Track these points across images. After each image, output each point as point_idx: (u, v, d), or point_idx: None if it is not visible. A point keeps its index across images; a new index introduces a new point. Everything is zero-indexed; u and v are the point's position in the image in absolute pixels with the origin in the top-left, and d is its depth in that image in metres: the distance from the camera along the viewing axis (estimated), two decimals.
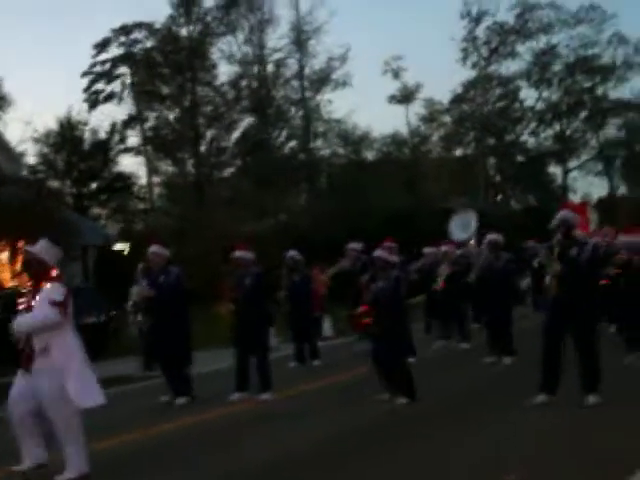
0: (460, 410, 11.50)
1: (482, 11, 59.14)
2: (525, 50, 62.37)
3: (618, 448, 8.71)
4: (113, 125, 49.69)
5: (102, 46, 50.66)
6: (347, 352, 18.89)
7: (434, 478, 8.32)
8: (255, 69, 51.85)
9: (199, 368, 15.94)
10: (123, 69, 51.66)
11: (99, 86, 51.60)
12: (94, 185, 48.70)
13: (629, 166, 66.93)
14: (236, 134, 50.98)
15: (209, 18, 50.24)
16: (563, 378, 11.05)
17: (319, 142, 54.06)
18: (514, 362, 15.52)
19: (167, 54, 49.57)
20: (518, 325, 17.58)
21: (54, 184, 45.84)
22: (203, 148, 49.65)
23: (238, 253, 13.92)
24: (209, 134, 49.96)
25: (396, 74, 60.71)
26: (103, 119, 49.69)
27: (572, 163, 64.91)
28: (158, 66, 50.03)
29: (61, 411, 8.49)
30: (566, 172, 64.36)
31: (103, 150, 48.89)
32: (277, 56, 51.88)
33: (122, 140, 50.50)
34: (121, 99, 51.43)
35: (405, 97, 61.60)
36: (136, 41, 50.73)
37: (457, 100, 62.70)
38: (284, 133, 52.28)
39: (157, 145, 50.56)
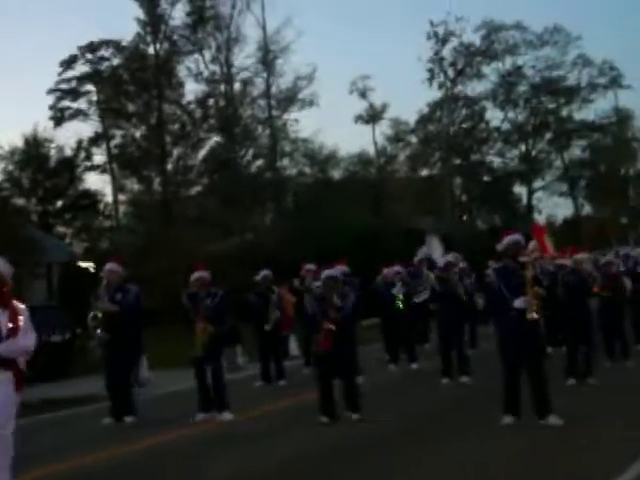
0: (421, 431, 11.50)
1: (448, 32, 59.54)
2: (491, 71, 62.95)
3: (584, 466, 8.76)
4: (79, 142, 49.55)
5: (69, 63, 50.47)
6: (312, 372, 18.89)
7: None
8: (222, 88, 51.82)
9: (162, 388, 15.87)
10: (89, 86, 51.47)
11: (65, 103, 51.38)
12: (59, 203, 48.43)
13: (593, 187, 67.50)
14: (203, 152, 50.93)
15: (176, 36, 50.24)
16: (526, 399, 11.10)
17: (285, 161, 54.12)
18: (472, 382, 15.57)
19: (134, 72, 49.43)
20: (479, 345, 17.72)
21: (19, 202, 45.61)
22: (170, 166, 49.50)
23: (198, 274, 13.88)
24: (176, 152, 49.82)
25: (363, 94, 61.02)
26: (69, 136, 49.58)
27: (537, 183, 65.42)
28: (125, 84, 49.86)
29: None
30: (531, 192, 64.76)
31: (69, 168, 48.67)
32: (244, 75, 51.94)
33: (88, 158, 50.33)
34: (87, 116, 51.26)
35: (372, 117, 61.85)
36: (103, 58, 50.58)
37: (423, 120, 63.02)
38: (251, 152, 52.24)
39: (123, 163, 50.34)
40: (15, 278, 8.71)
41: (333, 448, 10.82)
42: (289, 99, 52.61)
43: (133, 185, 50.85)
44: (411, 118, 64.01)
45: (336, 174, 58.05)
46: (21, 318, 8.24)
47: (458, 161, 62.82)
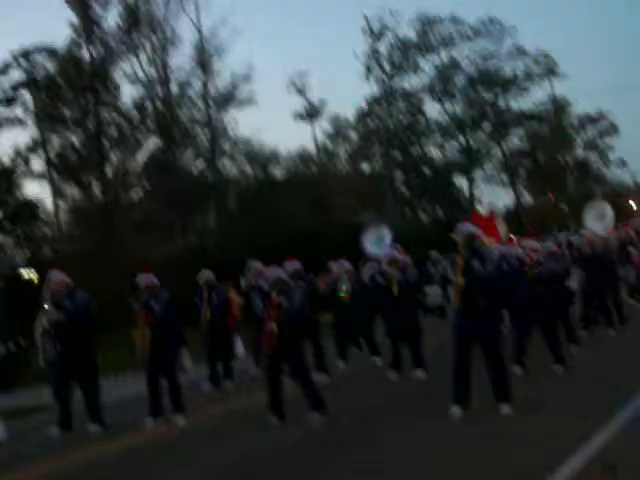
0: (373, 427, 11.49)
1: (384, 26, 59.74)
2: (427, 64, 63.23)
3: (533, 458, 8.84)
4: (17, 151, 48.92)
5: (2, 71, 49.84)
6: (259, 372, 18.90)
7: None
8: (159, 90, 51.49)
9: (108, 396, 15.75)
10: (25, 93, 50.86)
11: (0, 111, 50.72)
12: None
13: (533, 176, 68.19)
14: (142, 156, 50.56)
15: (111, 40, 49.81)
16: (478, 388, 11.16)
17: (226, 162, 53.91)
18: (425, 375, 15.63)
19: (69, 77, 48.94)
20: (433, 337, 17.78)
21: None
22: (109, 171, 49.10)
23: (142, 278, 13.80)
24: (114, 157, 49.47)
25: (301, 90, 61.01)
26: (5, 144, 48.89)
27: (477, 174, 65.85)
28: (60, 89, 49.34)
29: None
30: (472, 183, 65.20)
31: (6, 176, 48.03)
32: (181, 76, 51.66)
33: (26, 165, 49.70)
34: (23, 124, 50.64)
35: (310, 114, 61.87)
36: (37, 65, 50.00)
37: (362, 116, 63.18)
38: (190, 154, 52.02)
39: (62, 169, 49.81)
40: None
41: (287, 451, 10.80)
42: (227, 99, 52.43)
43: (73, 192, 50.34)
44: (350, 114, 64.15)
45: (278, 172, 58.05)
46: None
47: (398, 155, 63.01)
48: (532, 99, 65.52)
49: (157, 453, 11.62)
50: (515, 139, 67.11)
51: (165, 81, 51.18)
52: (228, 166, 54.05)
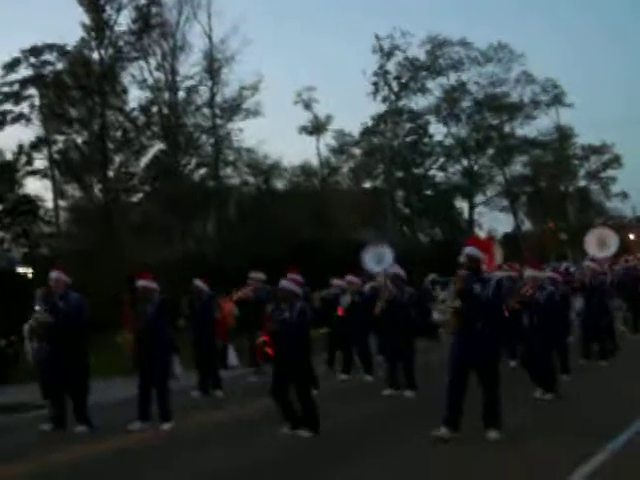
0: (360, 444, 11.46)
1: (394, 46, 59.85)
2: (435, 86, 63.35)
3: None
4: (20, 147, 48.93)
5: (11, 66, 49.88)
6: (251, 383, 18.90)
7: None
8: (166, 95, 51.53)
9: (99, 397, 15.72)
10: (32, 91, 50.89)
11: (7, 107, 50.74)
12: None
13: (534, 202, 68.24)
14: (145, 160, 50.60)
15: (121, 43, 49.88)
16: (468, 412, 11.12)
17: (229, 170, 53.93)
18: (416, 395, 15.59)
19: (77, 77, 48.98)
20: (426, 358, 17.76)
21: None
22: (111, 173, 49.11)
23: (141, 282, 13.80)
24: (118, 159, 49.48)
25: (307, 105, 61.11)
26: (10, 141, 48.91)
27: (478, 198, 65.94)
28: (68, 89, 49.37)
29: None
30: (472, 207, 65.24)
31: (8, 172, 48.01)
32: (189, 83, 51.68)
33: (29, 162, 49.68)
34: (29, 121, 50.66)
35: (316, 128, 61.93)
36: (46, 63, 50.06)
37: (367, 133, 63.24)
38: (194, 160, 52.05)
39: (64, 168, 49.83)
40: None
41: (269, 464, 10.72)
42: (233, 108, 52.47)
43: (74, 191, 50.35)
44: (355, 130, 64.19)
45: (279, 184, 58.08)
46: None
47: (401, 174, 63.05)
48: (537, 126, 65.66)
49: (140, 457, 11.60)
50: (518, 165, 67.18)
51: (173, 87, 51.21)
52: (230, 175, 54.08)
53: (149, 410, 13.56)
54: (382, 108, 61.63)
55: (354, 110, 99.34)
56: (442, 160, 65.04)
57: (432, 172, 65.36)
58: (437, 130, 64.80)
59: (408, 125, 63.85)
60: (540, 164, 66.81)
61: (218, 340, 19.63)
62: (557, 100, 64.70)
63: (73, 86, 48.94)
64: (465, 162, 65.17)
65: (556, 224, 69.59)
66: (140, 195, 51.65)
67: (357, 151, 64.61)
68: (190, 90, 51.69)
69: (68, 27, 74.42)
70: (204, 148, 52.62)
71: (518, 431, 10.99)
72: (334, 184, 64.01)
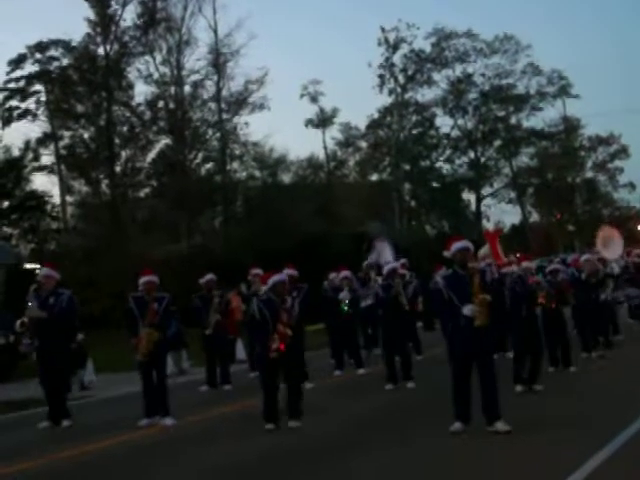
0: (364, 438, 11.43)
1: (399, 39, 59.74)
2: (441, 78, 63.26)
3: (528, 472, 8.83)
4: (27, 143, 49.00)
5: (17, 62, 49.92)
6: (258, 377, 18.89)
7: None
8: (172, 90, 51.52)
9: (106, 392, 15.77)
10: (38, 86, 50.94)
11: (13, 103, 50.78)
12: (6, 203, 47.84)
13: (541, 194, 68.11)
14: (152, 155, 50.66)
15: (127, 37, 49.89)
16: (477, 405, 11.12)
17: (235, 165, 53.95)
18: (416, 388, 15.61)
19: (83, 72, 49.02)
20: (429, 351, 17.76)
21: None
22: (118, 168, 49.17)
23: (145, 278, 13.79)
24: (124, 154, 49.52)
25: (314, 98, 61.06)
26: (17, 136, 48.99)
27: (486, 190, 65.87)
28: (74, 84, 49.42)
29: None
30: (479, 199, 65.16)
31: (16, 168, 48.08)
32: (195, 78, 51.66)
33: (36, 158, 49.75)
34: (35, 117, 50.73)
35: (322, 121, 61.89)
36: (52, 58, 50.08)
37: (373, 125, 63.17)
38: (200, 155, 52.06)
39: (71, 164, 49.88)
40: None
41: (273, 458, 10.73)
42: (240, 102, 52.42)
43: (81, 187, 50.43)
44: (361, 123, 64.12)
45: (286, 178, 58.05)
46: None
47: (407, 167, 62.97)
48: (544, 118, 65.57)
49: (146, 452, 11.61)
50: (525, 157, 67.09)
51: (178, 81, 51.21)
52: (237, 169, 54.09)
53: (156, 405, 13.57)
54: (388, 101, 61.64)
55: (360, 103, 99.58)
56: (449, 152, 64.97)
57: (439, 164, 65.32)
58: (443, 122, 64.83)
59: (414, 117, 63.74)
60: (547, 155, 66.67)
61: (228, 334, 19.70)
62: (563, 91, 64.60)
63: (79, 82, 49.00)
64: (472, 154, 65.12)
65: (563, 215, 69.50)
66: (147, 190, 51.71)
67: (363, 144, 64.52)
68: (196, 84, 51.71)
69: (73, 23, 74.59)
70: (210, 142, 52.63)
71: (521, 427, 10.96)
72: (341, 177, 63.98)
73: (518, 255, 18.55)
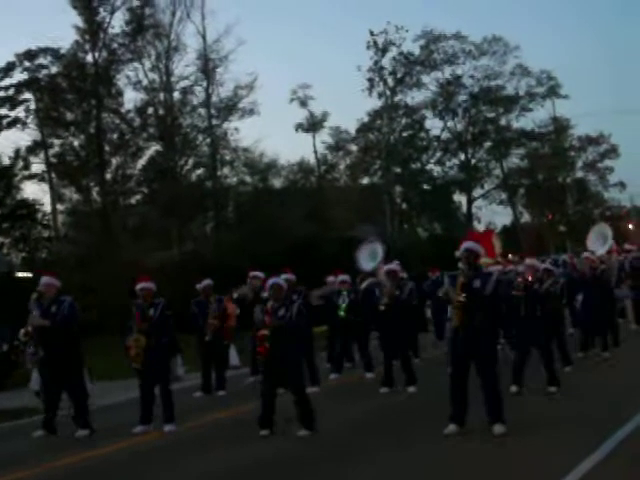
0: (361, 442, 11.44)
1: (388, 42, 59.78)
2: (430, 80, 63.37)
3: (523, 474, 8.85)
4: (17, 151, 48.90)
5: (6, 71, 49.82)
6: (253, 382, 18.88)
7: None
8: (162, 96, 51.48)
9: (102, 400, 15.73)
10: (27, 95, 50.84)
11: (2, 111, 50.65)
12: None
13: (532, 195, 68.24)
14: (142, 161, 50.56)
15: (115, 45, 49.80)
16: (475, 407, 11.11)
17: (226, 170, 53.89)
18: (417, 391, 15.58)
19: (72, 80, 48.92)
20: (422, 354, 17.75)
21: None
22: (109, 175, 49.08)
23: (141, 285, 13.80)
24: (114, 161, 49.43)
25: (303, 103, 61.09)
26: (6, 145, 48.90)
27: (476, 192, 65.94)
28: (63, 92, 49.32)
29: None
30: (471, 201, 65.23)
31: (6, 176, 47.98)
32: (184, 84, 51.63)
33: (26, 166, 49.65)
34: (25, 125, 50.61)
35: (312, 125, 61.91)
36: (41, 66, 49.98)
37: (363, 129, 63.23)
38: (191, 161, 51.98)
39: (62, 172, 49.77)
40: None
41: (266, 462, 10.74)
42: (229, 108, 52.43)
43: (72, 195, 50.33)
44: (351, 127, 64.20)
45: (277, 183, 58.07)
46: None
47: (398, 170, 63.01)
48: (534, 119, 65.73)
49: (142, 460, 11.60)
50: (515, 158, 67.22)
51: (168, 88, 51.17)
52: (228, 174, 54.05)
53: (152, 412, 13.56)
54: (378, 104, 61.67)
55: (350, 107, 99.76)
56: (439, 154, 65.06)
57: (429, 167, 65.36)
58: (433, 124, 64.99)
59: (404, 120, 63.79)
60: (537, 156, 66.79)
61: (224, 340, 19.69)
62: (552, 92, 64.76)
63: (68, 89, 48.88)
64: (462, 156, 65.26)
65: (554, 216, 69.62)
66: (138, 197, 51.63)
67: (354, 147, 64.59)
68: (185, 90, 51.67)
69: (62, 30, 74.50)
70: (201, 148, 52.57)
71: (520, 426, 10.99)
72: (331, 181, 64.01)
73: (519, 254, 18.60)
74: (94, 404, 15.27)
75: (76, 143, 49.68)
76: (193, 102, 52.02)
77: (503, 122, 65.23)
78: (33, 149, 50.18)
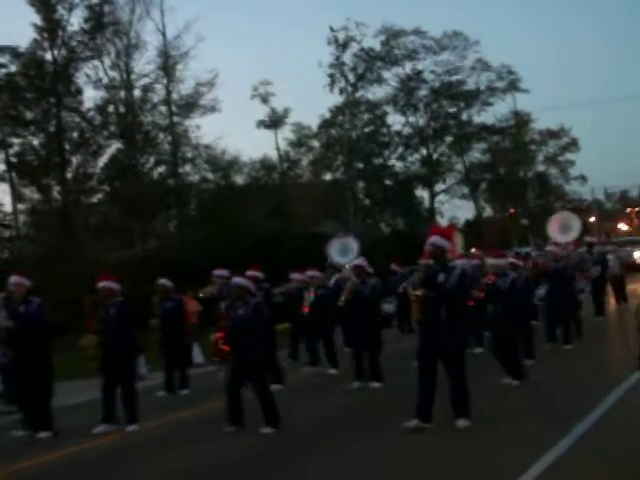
0: (329, 438, 11.41)
1: (349, 38, 59.79)
2: (391, 76, 63.50)
3: (491, 465, 8.94)
4: None
5: None
6: (216, 380, 18.80)
7: None
8: (122, 94, 51.17)
9: (62, 400, 15.59)
10: None
11: None
12: None
13: (494, 189, 68.63)
14: (103, 160, 50.22)
15: (74, 42, 49.41)
16: (438, 401, 11.11)
17: (188, 168, 53.64)
18: (382, 387, 15.58)
19: (31, 79, 48.52)
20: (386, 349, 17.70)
21: None
22: (69, 174, 48.72)
23: (103, 283, 13.68)
24: (75, 160, 49.06)
25: (264, 99, 60.97)
26: None
27: (439, 186, 66.16)
28: (22, 91, 48.91)
29: None
30: (433, 195, 65.44)
31: None
32: (144, 81, 51.32)
33: None
34: None
35: (274, 122, 61.81)
36: None
37: (325, 125, 63.24)
38: (152, 159, 51.70)
39: (22, 171, 49.36)
40: None
41: (231, 459, 10.70)
42: (190, 105, 52.19)
43: (32, 194, 49.94)
44: (313, 123, 64.19)
45: (239, 180, 57.94)
46: None
47: (360, 165, 63.09)
48: (495, 113, 66.03)
49: (105, 460, 11.51)
50: (477, 152, 67.52)
51: (128, 85, 50.87)
52: (190, 172, 53.80)
53: (114, 412, 13.45)
54: (339, 100, 61.71)
55: (312, 103, 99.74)
56: (401, 150, 65.15)
57: (391, 162, 65.46)
58: (395, 120, 65.12)
59: (366, 116, 63.92)
60: (499, 150, 67.19)
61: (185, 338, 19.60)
62: (513, 86, 65.08)
63: (27, 88, 48.47)
64: (424, 151, 65.40)
65: (517, 209, 70.03)
66: (99, 196, 51.30)
67: (316, 144, 64.61)
68: (146, 88, 51.34)
69: (19, 28, 73.75)
70: (162, 146, 52.27)
71: (485, 419, 11.03)
72: (294, 178, 63.94)
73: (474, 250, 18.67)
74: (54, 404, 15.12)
75: (36, 142, 49.25)
76: (154, 100, 51.72)
77: (464, 117, 65.55)
78: None
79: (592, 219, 75.59)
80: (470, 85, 64.51)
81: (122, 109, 50.73)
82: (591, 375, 14.55)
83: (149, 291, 19.15)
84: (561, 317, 19.24)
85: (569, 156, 69.89)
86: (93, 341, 13.29)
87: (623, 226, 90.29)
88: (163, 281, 18.58)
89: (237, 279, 12.63)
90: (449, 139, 65.66)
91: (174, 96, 51.96)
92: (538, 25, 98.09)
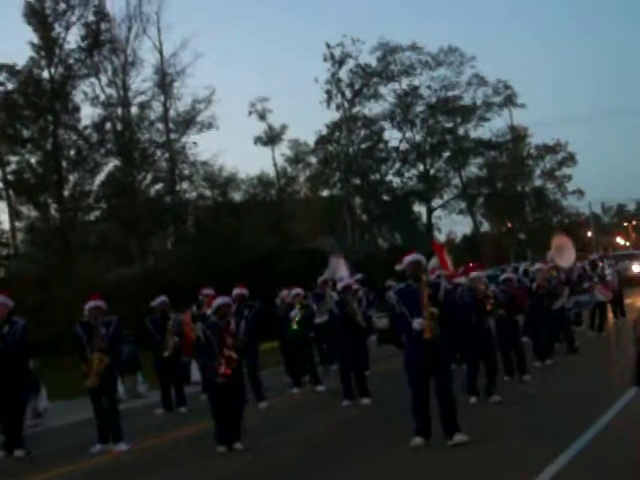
0: (323, 456, 11.38)
1: (345, 54, 59.94)
2: (388, 92, 63.60)
3: None
4: None
5: None
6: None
7: None
8: (119, 112, 51.22)
9: (58, 420, 15.56)
10: None
11: None
12: None
13: (491, 204, 68.64)
14: (100, 177, 50.21)
15: (71, 60, 49.46)
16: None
17: (185, 185, 53.66)
18: (372, 403, 15.54)
19: (29, 97, 48.55)
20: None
21: None
22: (67, 192, 48.69)
23: (92, 303, 13.58)
24: (72, 178, 49.04)
25: (262, 116, 61.07)
26: None
27: (436, 202, 66.19)
28: (19, 109, 48.94)
29: None
30: (430, 211, 65.44)
31: None
32: (141, 99, 51.39)
33: None
34: None
35: (271, 138, 61.89)
36: None
37: (322, 141, 63.29)
38: (149, 176, 51.70)
39: (19, 189, 49.35)
40: None
41: (235, 476, 10.71)
42: (187, 122, 52.24)
43: (30, 212, 49.91)
44: (310, 139, 64.29)
45: (237, 196, 57.98)
46: None
47: (358, 181, 63.14)
48: (491, 128, 66.12)
49: (103, 478, 11.48)
50: (474, 167, 67.57)
51: (125, 103, 50.92)
52: (187, 189, 53.83)
53: (108, 431, 13.39)
54: (336, 116, 61.85)
55: (309, 119, 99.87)
56: (398, 165, 65.20)
57: (389, 178, 65.50)
58: (392, 135, 65.23)
59: (363, 132, 63.99)
60: (496, 165, 67.25)
61: (182, 356, 19.55)
62: (509, 101, 65.21)
63: (24, 106, 48.50)
64: (421, 166, 65.45)
65: (514, 224, 70.04)
66: (97, 213, 51.26)
67: (313, 160, 64.68)
68: (143, 105, 51.40)
69: (17, 47, 73.88)
70: (159, 163, 52.29)
71: (477, 439, 10.95)
72: (291, 194, 63.99)
73: (465, 265, 18.62)
74: (45, 425, 15.08)
75: (33, 160, 49.24)
76: (151, 117, 51.78)
77: (461, 132, 65.64)
78: None
79: (589, 234, 75.58)
80: (466, 100, 64.79)
81: (119, 126, 50.75)
82: (588, 391, 14.48)
83: (150, 309, 19.08)
84: (545, 334, 19.18)
85: (566, 171, 69.94)
86: (104, 360, 13.19)
87: (620, 240, 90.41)
88: (163, 299, 18.55)
89: (219, 299, 12.67)
90: (446, 154, 65.70)
91: (171, 113, 52.08)
92: (534, 40, 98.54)
